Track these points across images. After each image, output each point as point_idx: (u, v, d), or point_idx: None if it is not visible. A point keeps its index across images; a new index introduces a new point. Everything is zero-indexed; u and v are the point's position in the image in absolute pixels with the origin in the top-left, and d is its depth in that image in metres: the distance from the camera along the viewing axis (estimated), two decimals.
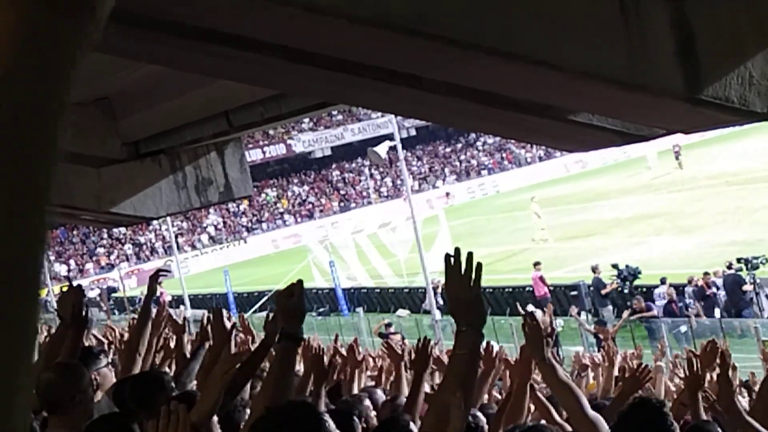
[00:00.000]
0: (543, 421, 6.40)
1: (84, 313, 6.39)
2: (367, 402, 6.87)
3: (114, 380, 6.65)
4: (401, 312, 33.95)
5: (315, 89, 6.34)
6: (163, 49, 5.03)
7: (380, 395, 7.51)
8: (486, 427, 5.72)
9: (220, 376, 4.41)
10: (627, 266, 28.10)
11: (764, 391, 5.59)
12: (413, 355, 6.87)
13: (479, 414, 6.05)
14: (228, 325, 5.83)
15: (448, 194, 65.72)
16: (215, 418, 4.84)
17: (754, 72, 4.69)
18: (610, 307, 27.33)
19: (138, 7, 4.22)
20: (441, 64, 4.69)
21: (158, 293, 44.53)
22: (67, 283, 6.67)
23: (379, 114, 60.43)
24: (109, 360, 7.35)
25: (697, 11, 4.56)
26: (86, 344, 8.18)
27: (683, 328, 23.10)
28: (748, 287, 24.35)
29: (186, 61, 5.54)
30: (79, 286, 6.62)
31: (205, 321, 6.81)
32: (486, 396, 10.14)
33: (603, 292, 27.77)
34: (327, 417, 3.55)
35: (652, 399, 5.67)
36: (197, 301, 43.23)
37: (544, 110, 5.37)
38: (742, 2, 4.67)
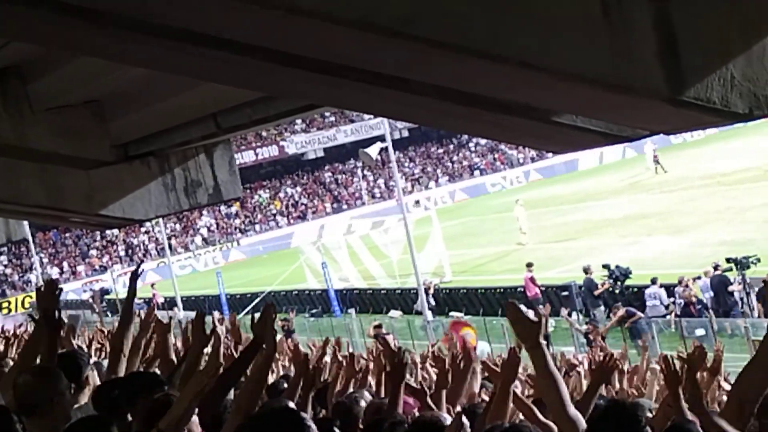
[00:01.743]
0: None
1: (57, 314, 6.27)
2: (363, 404, 6.89)
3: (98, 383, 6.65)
4: (393, 313, 34.00)
5: (301, 91, 6.36)
6: (150, 51, 5.04)
7: (367, 396, 7.53)
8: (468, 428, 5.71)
9: (193, 391, 4.41)
10: (618, 266, 28.16)
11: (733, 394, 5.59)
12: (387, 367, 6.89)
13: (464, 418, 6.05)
14: (208, 330, 5.86)
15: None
16: (196, 419, 4.87)
17: (735, 73, 4.71)
18: (602, 308, 27.37)
19: (125, 9, 4.24)
20: (427, 66, 4.71)
21: (151, 295, 44.40)
22: (44, 282, 6.57)
23: (373, 115, 60.42)
24: (92, 363, 7.30)
25: (680, 12, 4.57)
26: (74, 346, 8.18)
27: (700, 332, 22.88)
28: (734, 288, 24.36)
29: (172, 63, 5.55)
30: (55, 282, 6.52)
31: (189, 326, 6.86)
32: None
33: (596, 293, 27.80)
34: (310, 422, 3.57)
35: (626, 402, 5.69)
36: (190, 303, 43.24)
37: (529, 111, 5.39)
38: (724, 3, 4.69)
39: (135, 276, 7.28)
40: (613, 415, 4.79)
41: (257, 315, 5.57)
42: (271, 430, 3.51)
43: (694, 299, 24.29)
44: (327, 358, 9.79)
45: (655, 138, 48.12)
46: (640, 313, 24.58)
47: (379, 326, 28.58)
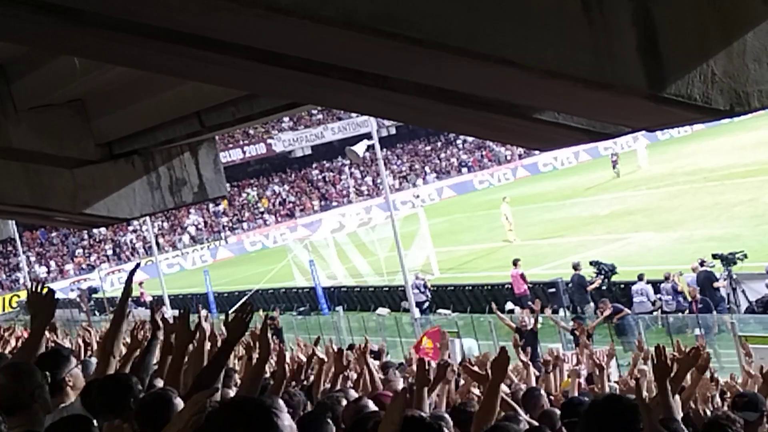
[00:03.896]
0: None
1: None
2: (344, 402, 6.90)
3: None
4: (381, 310, 33.97)
5: (284, 90, 6.35)
6: (132, 50, 5.04)
7: (353, 395, 7.53)
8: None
9: (188, 416, 4.38)
10: (600, 262, 28.16)
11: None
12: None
13: (446, 416, 6.07)
14: (191, 327, 5.86)
15: (418, 196, 65.40)
16: None
17: (716, 69, 4.72)
18: (592, 304, 27.30)
19: (106, 9, 4.24)
20: (407, 64, 4.71)
21: (138, 293, 44.00)
22: (36, 284, 6.53)
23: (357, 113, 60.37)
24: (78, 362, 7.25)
25: (660, 9, 4.58)
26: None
27: (697, 331, 22.61)
28: (719, 284, 24.33)
29: (155, 62, 5.55)
30: (51, 292, 6.51)
31: (154, 315, 6.88)
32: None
33: (589, 288, 27.72)
34: (280, 412, 3.55)
35: (624, 396, 5.70)
36: (178, 301, 43.14)
37: (511, 109, 5.40)
38: (705, 1, 4.70)
39: (131, 278, 7.20)
40: (612, 407, 4.78)
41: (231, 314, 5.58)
42: (240, 418, 3.49)
43: (698, 296, 23.91)
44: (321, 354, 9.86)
45: (610, 142, 47.93)
46: (627, 310, 24.54)
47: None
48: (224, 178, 11.84)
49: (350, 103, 6.90)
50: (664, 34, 4.59)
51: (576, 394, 10.83)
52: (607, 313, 24.28)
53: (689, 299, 24.04)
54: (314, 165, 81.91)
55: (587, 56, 4.53)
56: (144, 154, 11.25)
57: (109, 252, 71.48)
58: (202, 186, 11.53)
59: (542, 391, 9.38)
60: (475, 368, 7.04)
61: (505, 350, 6.44)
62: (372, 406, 6.55)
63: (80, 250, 71.60)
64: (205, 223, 74.81)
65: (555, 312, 26.69)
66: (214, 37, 4.51)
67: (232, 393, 8.04)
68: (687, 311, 23.85)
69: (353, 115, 71.77)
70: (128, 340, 7.88)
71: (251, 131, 74.83)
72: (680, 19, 4.62)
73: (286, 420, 3.52)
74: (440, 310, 31.73)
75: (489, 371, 6.23)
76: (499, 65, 4.49)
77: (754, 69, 4.71)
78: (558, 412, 7.87)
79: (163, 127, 10.26)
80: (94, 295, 50.91)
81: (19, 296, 61.06)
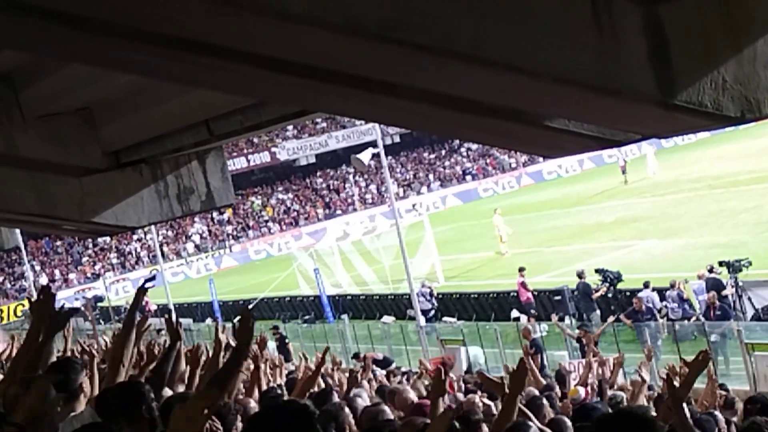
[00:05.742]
0: None
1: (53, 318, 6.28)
2: (347, 410, 6.94)
3: (90, 391, 6.60)
4: (386, 318, 33.95)
5: (291, 97, 6.34)
6: (139, 58, 5.02)
7: (360, 403, 7.55)
8: None
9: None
10: (606, 270, 28.12)
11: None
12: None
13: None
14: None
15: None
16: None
17: (727, 77, 4.71)
18: (598, 312, 27.28)
19: (113, 16, 4.23)
20: (413, 71, 4.70)
21: (143, 302, 44.13)
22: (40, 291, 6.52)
23: (363, 121, 60.44)
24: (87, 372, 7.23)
25: (671, 16, 4.57)
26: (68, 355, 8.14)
27: (714, 337, 22.43)
28: (727, 291, 24.27)
29: (162, 70, 5.54)
30: (47, 289, 6.51)
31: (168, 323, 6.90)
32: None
33: (594, 296, 27.68)
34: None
35: (636, 409, 5.66)
36: (182, 310, 43.17)
37: (518, 115, 5.38)
38: (715, 7, 4.69)
39: (143, 288, 7.19)
40: (624, 422, 4.71)
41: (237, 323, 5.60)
42: (284, 420, 3.55)
43: (717, 303, 23.67)
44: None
45: (615, 150, 47.98)
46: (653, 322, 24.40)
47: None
48: (232, 187, 11.83)
49: (357, 110, 6.87)
50: (674, 41, 4.58)
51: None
52: (610, 320, 24.28)
53: (707, 305, 23.92)
54: (318, 173, 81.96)
55: (596, 63, 4.52)
56: (152, 163, 11.25)
57: (114, 261, 71.52)
58: (210, 194, 11.53)
59: (544, 400, 9.39)
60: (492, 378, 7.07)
61: (524, 361, 6.45)
62: (389, 413, 6.57)
63: (85, 259, 71.67)
64: (210, 231, 74.86)
65: (561, 320, 26.65)
66: (220, 44, 4.50)
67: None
68: (703, 318, 23.73)
69: (357, 123, 71.86)
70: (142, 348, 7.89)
71: (255, 140, 74.93)
72: (690, 26, 4.61)
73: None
74: (445, 318, 31.70)
75: (508, 382, 6.24)
76: (507, 72, 4.48)
77: (765, 76, 4.70)
78: (566, 420, 7.86)
79: (171, 135, 10.25)
80: (99, 304, 50.89)
81: (24, 305, 61.11)
